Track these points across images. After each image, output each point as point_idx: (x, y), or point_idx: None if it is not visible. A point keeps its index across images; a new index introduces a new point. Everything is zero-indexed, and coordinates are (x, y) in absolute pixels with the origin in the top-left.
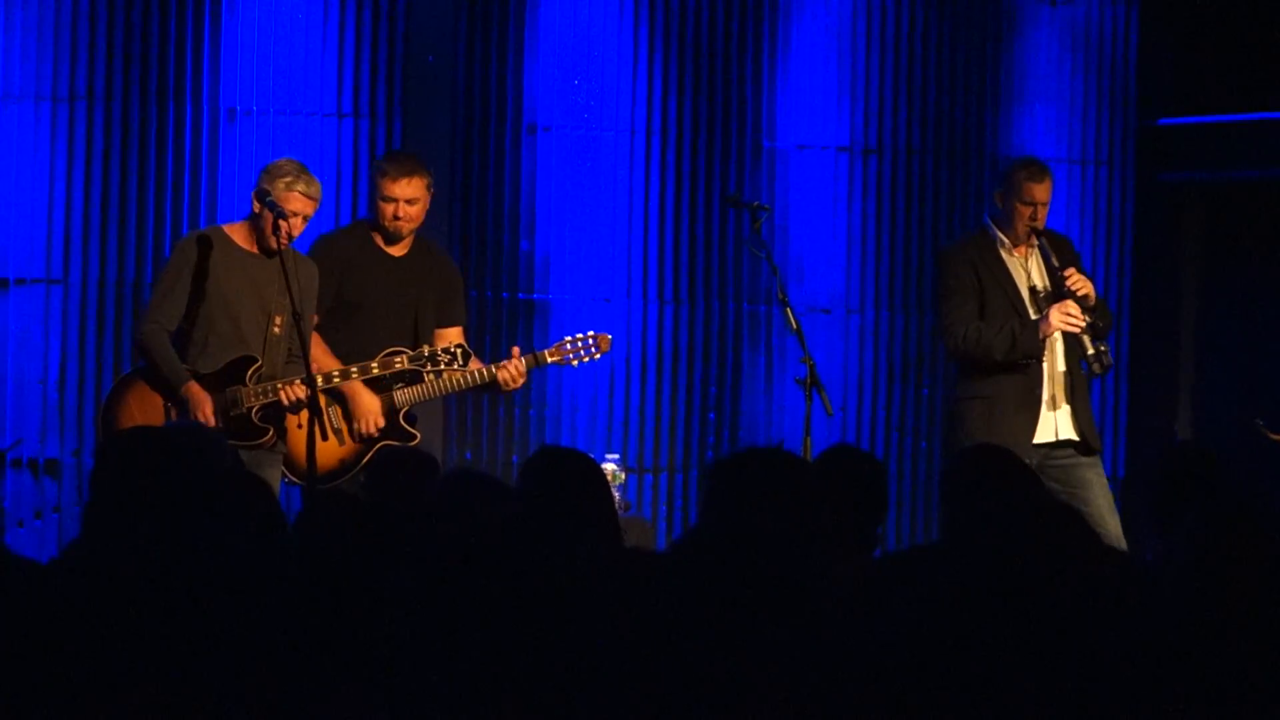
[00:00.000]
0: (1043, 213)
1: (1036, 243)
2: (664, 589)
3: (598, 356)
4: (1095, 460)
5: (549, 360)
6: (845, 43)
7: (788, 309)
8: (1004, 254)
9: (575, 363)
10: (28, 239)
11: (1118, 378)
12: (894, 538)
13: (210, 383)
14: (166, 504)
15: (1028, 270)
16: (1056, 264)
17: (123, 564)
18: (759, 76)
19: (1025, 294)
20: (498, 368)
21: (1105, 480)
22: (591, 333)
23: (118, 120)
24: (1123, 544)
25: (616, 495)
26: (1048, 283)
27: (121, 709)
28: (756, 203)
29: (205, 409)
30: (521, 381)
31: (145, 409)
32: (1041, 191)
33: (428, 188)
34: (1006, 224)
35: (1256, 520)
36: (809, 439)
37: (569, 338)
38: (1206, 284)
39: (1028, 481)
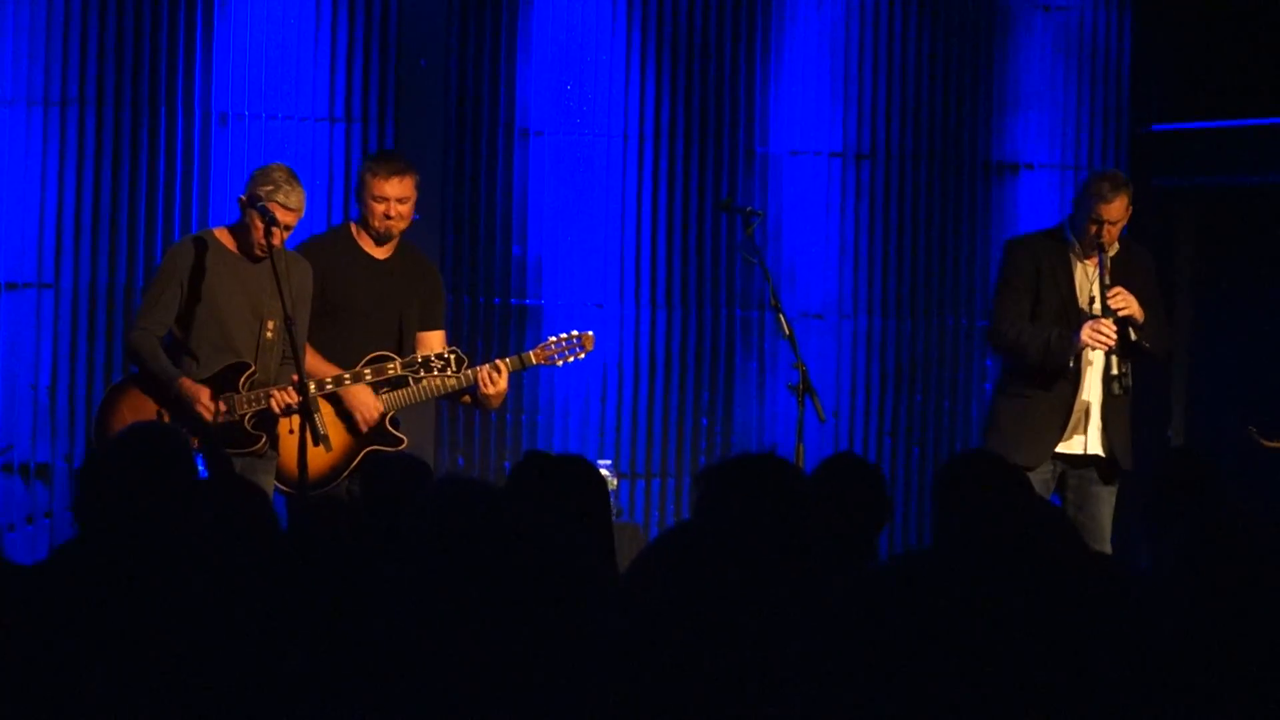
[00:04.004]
0: (1111, 231)
1: (1097, 258)
2: (655, 594)
3: (582, 356)
4: (1113, 485)
5: (534, 361)
6: (838, 48)
7: (780, 314)
8: (1074, 258)
9: (560, 363)
10: (19, 243)
11: None
12: (887, 544)
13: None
14: (153, 507)
15: (1092, 280)
16: (1108, 281)
17: (113, 568)
18: (752, 82)
19: (1084, 302)
20: (476, 370)
21: (1114, 501)
22: (575, 332)
23: (109, 125)
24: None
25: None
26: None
27: (113, 712)
28: (749, 208)
29: (203, 398)
30: (503, 386)
31: (139, 416)
32: (1110, 211)
33: (416, 186)
34: (1080, 231)
35: (1249, 527)
36: (801, 445)
37: (553, 338)
38: (1200, 290)
39: (1018, 487)
